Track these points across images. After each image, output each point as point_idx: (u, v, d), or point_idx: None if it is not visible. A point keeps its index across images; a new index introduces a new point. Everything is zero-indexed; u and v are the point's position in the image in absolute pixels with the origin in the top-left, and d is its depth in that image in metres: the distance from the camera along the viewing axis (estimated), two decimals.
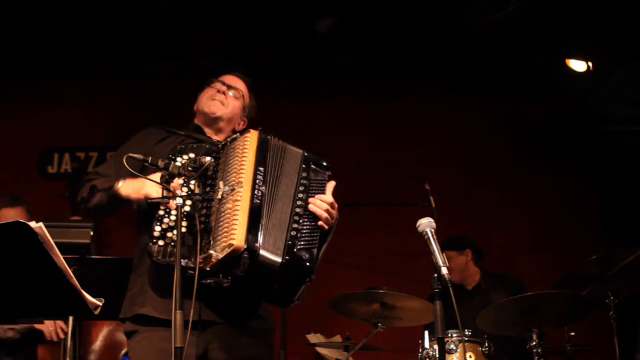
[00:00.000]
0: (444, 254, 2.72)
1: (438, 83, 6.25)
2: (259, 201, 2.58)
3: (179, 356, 2.25)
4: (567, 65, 5.77)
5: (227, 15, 5.32)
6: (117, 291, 2.87)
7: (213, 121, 3.02)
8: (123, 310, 2.78)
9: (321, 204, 2.73)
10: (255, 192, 2.59)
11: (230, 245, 2.46)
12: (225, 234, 2.51)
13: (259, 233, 2.53)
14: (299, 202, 2.72)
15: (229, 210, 2.55)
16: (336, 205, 2.79)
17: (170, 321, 2.52)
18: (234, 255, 2.47)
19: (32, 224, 1.91)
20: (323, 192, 2.80)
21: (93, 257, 3.75)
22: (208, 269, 2.47)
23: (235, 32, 5.62)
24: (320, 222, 2.72)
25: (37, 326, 4.21)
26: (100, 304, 2.17)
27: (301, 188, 2.76)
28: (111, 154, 3.07)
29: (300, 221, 2.68)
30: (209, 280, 2.49)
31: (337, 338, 4.87)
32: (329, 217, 2.74)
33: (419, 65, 6.11)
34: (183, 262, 2.45)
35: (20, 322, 4.07)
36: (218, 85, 3.05)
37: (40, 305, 2.21)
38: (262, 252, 2.52)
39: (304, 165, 2.80)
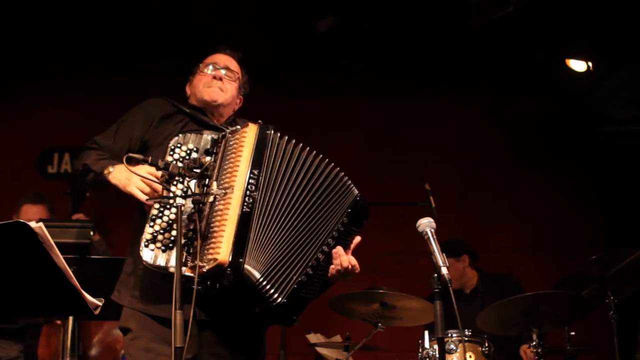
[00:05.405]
0: (444, 254, 2.72)
1: (438, 83, 6.24)
2: (248, 209, 2.48)
3: (179, 356, 2.25)
4: (567, 65, 5.77)
5: (226, 15, 5.32)
6: None
7: (214, 108, 2.95)
8: (118, 294, 2.73)
9: (348, 264, 2.64)
10: (246, 199, 2.49)
11: (215, 260, 2.40)
12: (212, 245, 2.45)
13: (245, 249, 2.45)
14: (325, 248, 2.63)
15: (218, 218, 2.48)
16: (358, 270, 2.71)
17: (162, 318, 2.56)
18: (219, 269, 2.41)
19: (32, 224, 1.91)
20: (349, 245, 2.73)
21: (93, 257, 3.76)
22: (198, 278, 2.41)
23: (235, 32, 5.61)
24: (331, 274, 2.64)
25: None
26: (100, 304, 2.17)
27: (334, 234, 2.66)
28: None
29: (317, 269, 2.60)
30: (199, 287, 2.42)
31: (337, 338, 4.87)
32: (342, 278, 2.66)
33: (418, 65, 6.11)
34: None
35: (21, 322, 4.10)
36: (213, 71, 2.98)
37: (40, 305, 2.20)
38: (247, 267, 2.44)
39: (349, 210, 2.71)
